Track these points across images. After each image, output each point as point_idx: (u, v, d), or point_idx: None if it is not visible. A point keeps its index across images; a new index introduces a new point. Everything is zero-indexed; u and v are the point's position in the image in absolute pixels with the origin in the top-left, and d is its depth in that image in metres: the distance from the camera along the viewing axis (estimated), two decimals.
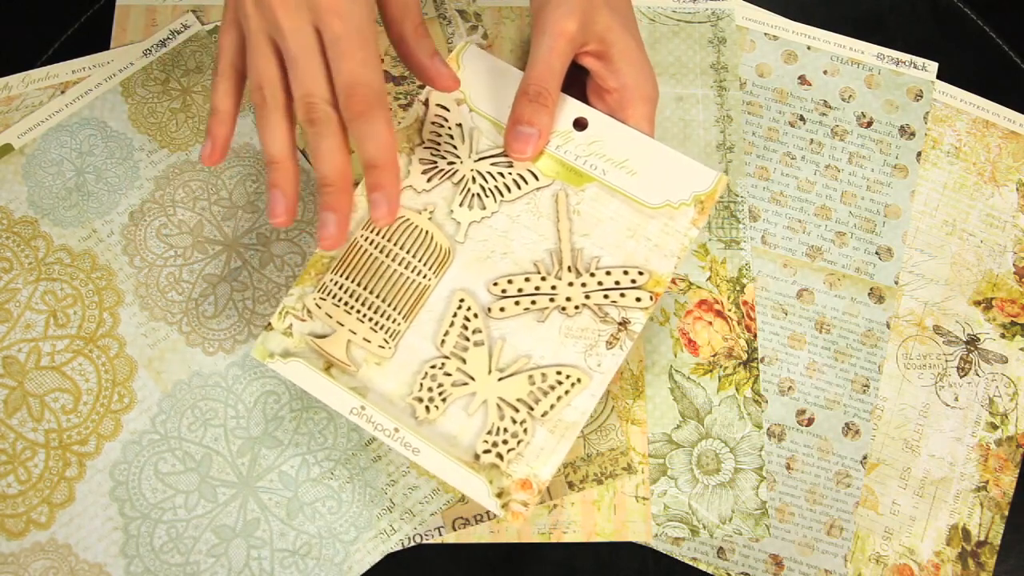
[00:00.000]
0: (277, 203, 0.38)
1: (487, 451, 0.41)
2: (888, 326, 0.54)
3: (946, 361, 0.54)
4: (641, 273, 0.42)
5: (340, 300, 0.42)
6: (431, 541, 0.50)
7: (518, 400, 0.41)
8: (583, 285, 0.42)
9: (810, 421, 0.53)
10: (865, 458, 0.52)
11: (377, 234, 0.43)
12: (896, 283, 0.55)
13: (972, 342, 0.55)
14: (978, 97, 0.58)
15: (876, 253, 0.55)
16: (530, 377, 0.41)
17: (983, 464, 0.53)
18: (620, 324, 0.42)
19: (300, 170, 0.40)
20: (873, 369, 0.54)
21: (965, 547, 0.52)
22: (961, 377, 0.54)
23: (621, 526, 0.50)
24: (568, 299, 0.42)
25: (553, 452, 0.41)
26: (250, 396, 0.51)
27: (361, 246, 0.42)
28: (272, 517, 0.49)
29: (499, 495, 0.40)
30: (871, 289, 0.55)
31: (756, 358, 0.53)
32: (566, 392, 0.41)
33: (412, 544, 0.50)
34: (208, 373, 0.51)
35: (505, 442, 0.41)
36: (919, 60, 0.59)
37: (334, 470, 0.50)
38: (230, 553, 0.49)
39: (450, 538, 0.50)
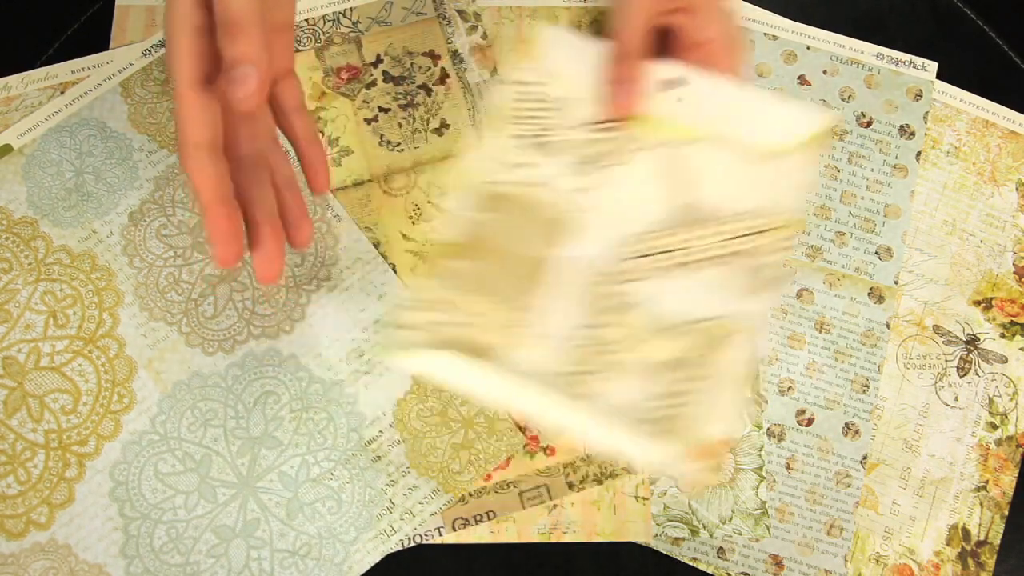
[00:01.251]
0: None
1: (653, 417, 0.37)
2: (888, 326, 0.54)
3: (946, 361, 0.54)
4: (769, 217, 0.41)
5: (464, 285, 0.40)
6: (431, 541, 0.50)
7: (674, 360, 0.39)
8: (714, 235, 0.41)
9: (810, 421, 0.53)
10: (865, 458, 0.52)
11: (491, 215, 0.41)
12: (896, 283, 0.55)
13: (972, 342, 0.55)
14: (978, 97, 0.58)
15: (876, 253, 0.55)
16: (681, 335, 0.39)
17: (983, 464, 0.53)
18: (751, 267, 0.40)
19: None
20: (873, 369, 0.54)
21: (965, 547, 0.52)
22: (961, 377, 0.54)
23: (621, 526, 0.50)
24: (701, 251, 0.41)
25: (723, 408, 0.38)
26: (250, 396, 0.51)
27: (475, 228, 0.41)
28: (272, 517, 0.49)
29: (676, 461, 0.37)
30: (871, 289, 0.55)
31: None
32: (721, 345, 0.39)
33: (412, 544, 0.50)
34: (208, 373, 0.51)
35: (669, 406, 0.38)
36: (919, 60, 0.59)
37: (334, 470, 0.50)
38: (230, 553, 0.49)
39: (450, 538, 0.50)
